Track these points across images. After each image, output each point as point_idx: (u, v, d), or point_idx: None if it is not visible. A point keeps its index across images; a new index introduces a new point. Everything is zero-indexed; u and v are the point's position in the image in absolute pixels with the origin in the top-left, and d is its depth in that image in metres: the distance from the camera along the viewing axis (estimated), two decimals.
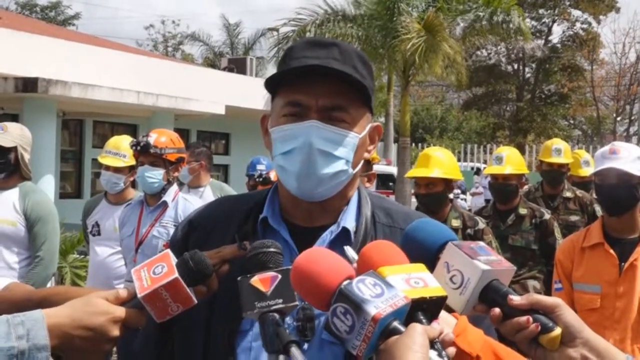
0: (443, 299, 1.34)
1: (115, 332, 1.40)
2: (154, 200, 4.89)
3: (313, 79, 1.59)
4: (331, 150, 1.58)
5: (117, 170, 5.50)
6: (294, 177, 1.60)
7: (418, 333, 1.24)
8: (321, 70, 1.57)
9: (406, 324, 1.26)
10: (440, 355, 1.25)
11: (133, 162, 5.41)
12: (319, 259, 1.35)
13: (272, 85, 1.65)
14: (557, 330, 1.35)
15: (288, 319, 1.46)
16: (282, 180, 1.66)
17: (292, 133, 1.59)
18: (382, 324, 1.24)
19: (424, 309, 1.30)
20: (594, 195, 5.93)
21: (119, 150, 5.57)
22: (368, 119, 1.67)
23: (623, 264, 3.61)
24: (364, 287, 1.27)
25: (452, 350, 1.31)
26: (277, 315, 1.33)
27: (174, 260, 1.46)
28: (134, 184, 5.71)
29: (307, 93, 1.59)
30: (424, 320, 1.28)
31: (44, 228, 4.63)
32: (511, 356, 1.53)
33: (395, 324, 1.26)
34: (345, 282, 1.30)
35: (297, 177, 1.59)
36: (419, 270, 1.36)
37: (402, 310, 1.26)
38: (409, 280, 1.32)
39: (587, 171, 7.21)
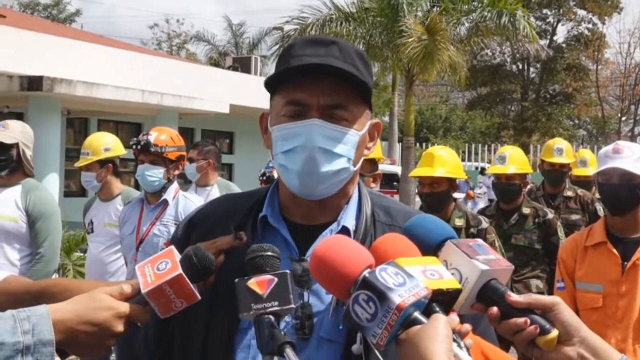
0: (458, 292, 1.35)
1: (120, 327, 1.42)
2: (155, 199, 4.89)
3: (313, 77, 1.59)
4: (332, 148, 1.58)
5: (87, 169, 5.52)
6: (295, 175, 1.60)
7: (442, 324, 1.25)
8: (323, 68, 1.58)
9: (422, 314, 1.28)
10: (459, 346, 1.26)
11: (99, 156, 5.46)
12: (340, 247, 1.37)
13: (272, 83, 1.65)
14: (554, 333, 1.35)
15: (287, 317, 1.47)
16: (283, 179, 1.66)
17: (294, 131, 1.59)
18: (405, 313, 1.25)
19: (440, 300, 1.31)
20: (596, 195, 5.93)
21: (85, 148, 5.58)
22: (368, 116, 1.67)
23: (626, 263, 3.61)
24: (386, 276, 1.29)
25: (469, 341, 1.33)
26: (272, 317, 1.34)
27: (177, 256, 1.48)
28: (117, 175, 5.69)
29: (308, 91, 1.59)
30: (440, 312, 1.29)
31: (45, 225, 4.63)
32: (499, 357, 1.54)
33: (416, 314, 1.27)
34: (367, 270, 1.32)
35: (299, 175, 1.59)
36: (433, 262, 1.38)
37: (423, 301, 1.28)
38: (425, 272, 1.33)
39: (582, 171, 7.22)
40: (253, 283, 1.37)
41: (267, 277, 1.38)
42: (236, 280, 1.39)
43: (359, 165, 1.67)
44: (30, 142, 4.68)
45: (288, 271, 1.40)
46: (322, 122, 1.58)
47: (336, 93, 1.59)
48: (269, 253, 1.43)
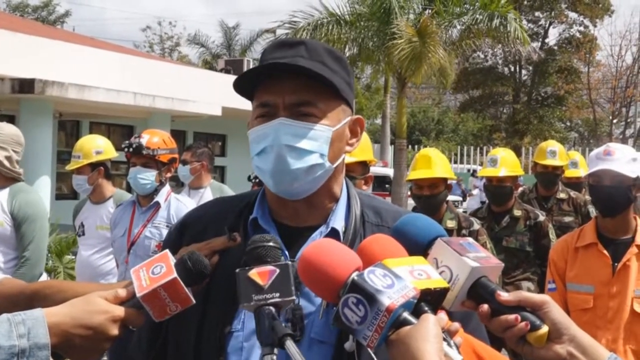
0: (446, 291, 1.36)
1: (115, 331, 1.42)
2: (146, 201, 4.88)
3: (279, 78, 1.61)
4: (300, 144, 1.59)
5: (78, 172, 5.52)
6: (269, 175, 1.62)
7: (432, 323, 1.26)
8: (282, 67, 1.60)
9: (412, 314, 1.29)
10: (449, 344, 1.28)
11: (90, 159, 5.46)
12: (328, 250, 1.38)
13: (243, 90, 1.67)
14: (544, 329, 1.37)
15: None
16: (262, 180, 1.68)
17: (263, 133, 1.61)
18: (395, 314, 1.26)
19: (428, 300, 1.33)
20: (587, 196, 5.96)
21: (76, 151, 5.57)
22: (345, 112, 1.67)
23: (616, 264, 3.62)
24: (375, 278, 1.30)
25: (459, 339, 1.34)
26: (273, 309, 1.34)
27: (172, 260, 1.48)
28: (109, 178, 5.68)
29: (274, 92, 1.61)
30: (429, 311, 1.31)
31: (30, 228, 4.54)
32: (491, 355, 1.55)
33: (405, 314, 1.28)
34: (355, 273, 1.32)
35: (271, 174, 1.61)
36: (421, 262, 1.39)
37: (412, 301, 1.29)
38: (412, 272, 1.34)
39: (573, 172, 7.25)
40: (254, 274, 1.37)
41: (269, 267, 1.38)
42: (237, 270, 1.39)
43: (338, 162, 1.67)
44: (8, 143, 4.53)
45: (290, 262, 1.40)
46: (288, 120, 1.59)
47: (302, 91, 1.60)
48: (271, 244, 1.43)
